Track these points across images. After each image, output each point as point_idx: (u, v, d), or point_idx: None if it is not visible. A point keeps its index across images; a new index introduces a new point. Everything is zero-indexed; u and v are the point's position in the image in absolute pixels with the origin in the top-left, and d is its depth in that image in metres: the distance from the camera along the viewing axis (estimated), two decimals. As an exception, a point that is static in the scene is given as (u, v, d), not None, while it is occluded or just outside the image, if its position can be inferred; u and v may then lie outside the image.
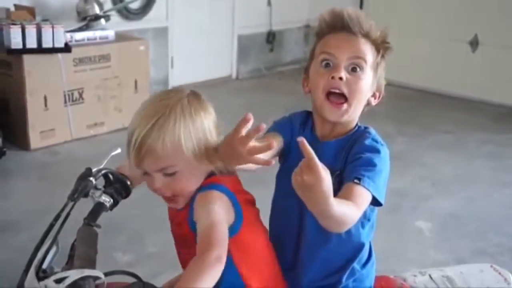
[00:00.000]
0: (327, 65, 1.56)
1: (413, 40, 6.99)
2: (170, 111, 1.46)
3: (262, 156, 1.34)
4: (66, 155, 4.82)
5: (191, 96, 1.52)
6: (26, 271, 1.44)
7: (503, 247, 3.59)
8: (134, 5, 6.06)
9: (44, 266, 1.47)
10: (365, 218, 1.63)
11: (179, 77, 6.58)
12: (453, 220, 4.03)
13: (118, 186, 1.69)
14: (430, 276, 1.92)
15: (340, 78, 1.52)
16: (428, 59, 6.98)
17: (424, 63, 7.01)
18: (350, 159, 1.53)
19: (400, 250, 3.51)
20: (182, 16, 6.46)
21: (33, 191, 4.22)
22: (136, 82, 5.51)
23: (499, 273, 1.95)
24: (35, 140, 4.88)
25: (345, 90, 1.53)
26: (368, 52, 1.59)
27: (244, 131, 1.31)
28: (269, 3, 7.18)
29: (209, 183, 1.51)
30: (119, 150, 1.75)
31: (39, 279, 1.43)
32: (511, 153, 5.27)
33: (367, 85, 1.59)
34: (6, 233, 3.59)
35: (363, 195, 1.43)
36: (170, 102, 1.48)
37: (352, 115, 1.60)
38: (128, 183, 1.71)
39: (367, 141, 1.57)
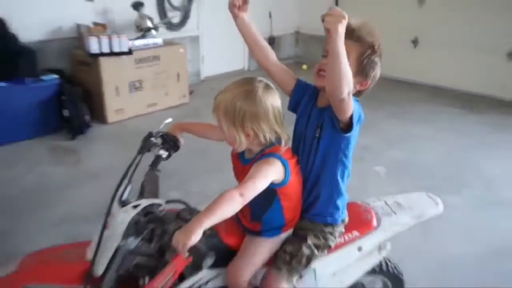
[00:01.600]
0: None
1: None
2: (231, 92, 1.44)
3: None
4: (132, 126, 4.83)
5: (263, 84, 1.48)
6: (112, 201, 1.47)
7: (434, 184, 3.61)
8: (175, 20, 6.00)
9: (123, 198, 1.50)
10: (345, 166, 1.61)
11: (207, 70, 6.59)
12: (400, 166, 4.04)
13: (171, 144, 1.72)
14: (385, 201, 1.94)
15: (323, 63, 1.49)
16: (384, 51, 6.82)
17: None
18: None
19: (363, 186, 3.53)
20: (208, 27, 6.37)
21: (110, 151, 4.25)
22: (178, 74, 5.48)
23: (432, 199, 1.97)
24: (110, 116, 4.91)
25: (326, 69, 1.43)
26: (352, 51, 1.48)
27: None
28: (270, 16, 7.09)
29: (271, 152, 1.48)
30: (170, 119, 1.77)
31: (121, 206, 1.47)
32: (442, 120, 5.24)
33: None
34: (94, 181, 3.65)
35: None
36: (234, 87, 1.47)
37: None
38: (178, 142, 1.73)
39: None
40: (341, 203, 1.67)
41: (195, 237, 1.23)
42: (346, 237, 1.75)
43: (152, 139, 1.67)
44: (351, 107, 1.43)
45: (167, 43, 5.43)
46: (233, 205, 1.31)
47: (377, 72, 1.58)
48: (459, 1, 6.09)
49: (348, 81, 1.32)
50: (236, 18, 1.60)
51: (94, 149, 4.28)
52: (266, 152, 1.48)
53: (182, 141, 1.76)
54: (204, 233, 1.50)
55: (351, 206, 1.86)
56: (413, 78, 6.70)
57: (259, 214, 1.55)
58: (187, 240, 1.21)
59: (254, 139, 1.46)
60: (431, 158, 4.19)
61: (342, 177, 1.63)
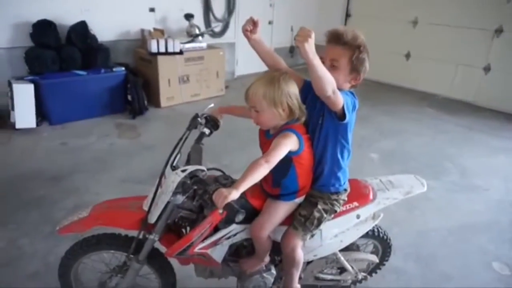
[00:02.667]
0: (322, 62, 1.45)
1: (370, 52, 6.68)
2: (262, 79, 1.44)
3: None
4: (179, 111, 4.82)
5: (278, 75, 1.45)
6: (166, 165, 1.46)
7: (417, 169, 3.52)
8: (217, 29, 5.92)
9: (174, 164, 1.49)
10: (344, 146, 1.56)
11: (240, 70, 6.49)
12: (391, 154, 3.94)
13: (212, 124, 1.69)
14: (380, 180, 1.88)
15: None
16: (380, 65, 6.69)
17: (378, 67, 6.70)
18: None
19: (360, 169, 3.46)
20: (242, 37, 6.14)
21: (162, 129, 4.25)
22: (217, 72, 5.39)
23: (419, 180, 1.90)
24: (163, 102, 4.89)
25: None
26: (344, 54, 1.45)
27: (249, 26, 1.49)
28: (292, 29, 6.92)
29: (289, 128, 1.46)
30: (212, 105, 1.74)
31: (173, 169, 1.46)
32: (426, 119, 5.07)
33: (341, 73, 1.47)
34: (149, 152, 3.66)
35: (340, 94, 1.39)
36: (266, 75, 1.46)
37: None
38: (218, 122, 1.70)
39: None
40: (342, 175, 1.62)
41: (232, 197, 1.23)
42: (348, 206, 1.71)
43: (198, 119, 1.65)
44: (340, 100, 1.39)
45: (210, 47, 5.36)
46: (261, 170, 1.32)
47: (366, 66, 1.51)
48: (445, 23, 5.86)
49: (328, 81, 1.31)
50: (249, 40, 1.57)
51: (150, 127, 4.29)
52: (284, 128, 1.47)
53: (221, 122, 1.73)
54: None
55: (353, 182, 1.81)
56: (404, 84, 6.50)
57: (279, 180, 1.53)
58: (225, 198, 1.22)
59: (289, 113, 1.45)
60: (416, 149, 4.06)
61: (342, 155, 1.58)
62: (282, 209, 1.57)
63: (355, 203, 1.72)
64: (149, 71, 4.81)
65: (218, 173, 1.60)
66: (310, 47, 1.23)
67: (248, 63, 6.58)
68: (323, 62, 1.39)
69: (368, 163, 3.68)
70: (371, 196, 1.75)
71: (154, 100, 4.87)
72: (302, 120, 1.50)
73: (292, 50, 7.01)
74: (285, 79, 1.45)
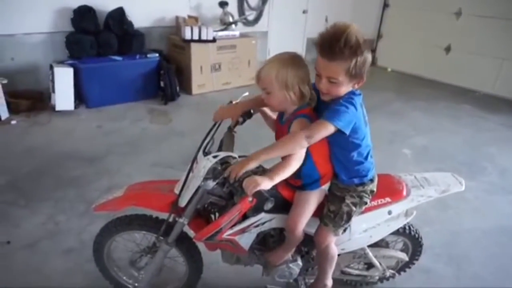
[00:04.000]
0: (317, 75, 1.39)
1: (404, 44, 6.50)
2: (276, 59, 1.41)
3: None
4: (210, 98, 4.86)
5: (293, 57, 1.41)
6: (198, 150, 1.47)
7: (453, 168, 3.37)
8: (250, 18, 5.88)
9: (206, 150, 1.50)
10: (358, 146, 1.48)
11: None
12: (425, 150, 3.81)
13: (246, 112, 1.65)
14: (415, 176, 1.82)
15: (321, 87, 1.38)
16: (417, 57, 6.47)
17: (415, 59, 6.48)
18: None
19: (393, 165, 3.38)
20: (275, 25, 6.20)
21: (193, 116, 4.29)
22: (249, 61, 5.38)
23: (456, 179, 1.82)
24: (195, 89, 4.94)
25: (325, 92, 1.39)
26: (340, 70, 1.31)
27: None
28: (326, 20, 6.72)
29: (301, 113, 1.43)
30: (247, 93, 1.71)
31: (205, 155, 1.47)
32: (462, 115, 4.85)
33: (342, 86, 1.36)
34: (179, 137, 3.71)
35: (321, 124, 1.33)
36: (281, 56, 1.42)
37: (334, 95, 1.40)
38: (251, 111, 1.67)
39: (339, 100, 1.38)
40: (363, 168, 1.54)
41: (264, 186, 1.27)
42: (379, 201, 1.66)
43: None
44: (325, 133, 1.33)
45: (243, 35, 5.35)
46: (297, 144, 1.34)
47: (368, 62, 1.35)
48: (490, 15, 5.54)
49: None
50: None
51: (181, 113, 4.35)
52: (298, 113, 1.43)
53: (253, 111, 1.71)
54: None
55: (386, 177, 1.77)
56: (442, 79, 6.22)
57: (298, 170, 1.47)
58: (256, 186, 1.25)
59: (300, 98, 1.42)
60: (452, 147, 3.90)
61: (357, 152, 1.49)
62: (311, 198, 1.54)
63: (388, 199, 1.67)
64: (182, 58, 4.86)
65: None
66: (249, 163, 1.30)
67: (279, 51, 6.52)
68: (318, 75, 1.36)
69: (400, 159, 3.57)
70: (404, 193, 1.70)
71: (186, 87, 4.92)
72: (312, 105, 1.46)
73: None
74: (298, 62, 1.40)
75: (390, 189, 1.70)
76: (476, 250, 2.44)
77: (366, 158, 1.53)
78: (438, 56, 6.25)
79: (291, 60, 1.40)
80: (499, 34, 5.51)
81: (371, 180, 1.58)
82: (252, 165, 1.31)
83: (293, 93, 1.41)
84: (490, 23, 5.58)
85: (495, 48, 5.58)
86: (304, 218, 1.52)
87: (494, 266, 2.31)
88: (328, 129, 1.32)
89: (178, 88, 4.69)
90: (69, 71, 4.00)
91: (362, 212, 1.62)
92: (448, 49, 6.17)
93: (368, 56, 1.33)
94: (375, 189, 1.61)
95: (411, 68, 6.56)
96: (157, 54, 4.60)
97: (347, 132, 1.34)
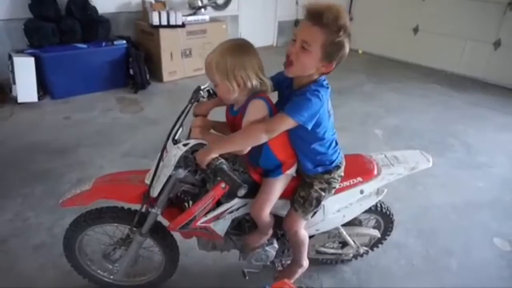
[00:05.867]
0: (293, 40, 1.32)
1: (375, 26, 6.53)
2: (221, 47, 1.34)
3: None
4: (182, 85, 4.74)
5: (240, 44, 1.35)
6: (168, 139, 1.44)
7: (422, 146, 3.47)
8: (220, 1, 5.76)
9: (176, 137, 1.46)
10: (321, 139, 1.46)
11: None
12: (396, 130, 3.89)
13: (215, 97, 1.62)
14: (385, 155, 1.86)
15: (291, 51, 1.32)
16: (388, 37, 6.55)
17: (386, 39, 6.53)
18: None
19: (365, 145, 3.44)
20: (246, 10, 6.09)
21: (164, 103, 4.20)
22: None
23: (424, 156, 1.88)
24: (165, 76, 4.82)
25: (293, 59, 1.31)
26: (318, 38, 1.26)
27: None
28: (297, 3, 6.69)
29: (257, 96, 1.38)
30: None
31: (174, 143, 1.43)
32: (433, 95, 4.98)
33: (311, 58, 1.29)
34: (152, 126, 3.63)
35: (281, 118, 1.31)
36: (227, 43, 1.35)
37: (298, 73, 1.34)
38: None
39: (305, 91, 1.33)
40: (325, 157, 1.53)
41: (214, 154, 1.30)
42: (351, 181, 1.69)
43: (200, 91, 1.59)
44: (283, 126, 1.32)
45: (213, 20, 5.22)
46: (255, 139, 1.34)
47: (344, 52, 1.32)
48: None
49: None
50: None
51: (152, 101, 4.25)
52: (250, 98, 1.38)
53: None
54: (238, 170, 1.49)
55: (357, 157, 1.80)
56: (411, 60, 6.35)
57: (255, 160, 1.48)
58: (208, 155, 1.30)
59: (244, 87, 1.36)
60: (421, 126, 4.01)
61: (319, 144, 1.47)
62: (275, 185, 1.52)
63: (359, 178, 1.70)
64: (151, 45, 4.72)
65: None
66: (210, 154, 1.30)
67: (252, 37, 6.32)
68: (294, 40, 1.29)
69: (372, 140, 3.64)
70: (375, 172, 1.73)
71: (156, 74, 4.80)
72: (269, 92, 1.41)
73: (296, 24, 6.83)
74: (242, 49, 1.32)
75: (362, 169, 1.73)
76: (445, 224, 2.55)
77: (328, 148, 1.51)
78: (407, 37, 6.36)
79: (234, 47, 1.32)
80: (463, 15, 5.65)
81: (337, 167, 1.57)
82: (214, 155, 1.30)
83: (236, 82, 1.33)
84: (455, 4, 5.71)
85: (460, 28, 5.72)
86: (267, 205, 1.51)
87: (461, 239, 2.42)
88: (288, 123, 1.30)
89: (148, 76, 4.56)
90: (30, 61, 3.81)
91: (335, 193, 1.64)
92: (416, 30, 6.28)
93: (346, 47, 1.30)
94: (342, 174, 1.61)
95: (382, 50, 6.65)
96: (124, 41, 4.44)
97: (309, 127, 1.32)
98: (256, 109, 1.36)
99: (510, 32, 5.32)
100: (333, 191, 1.61)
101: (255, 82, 1.35)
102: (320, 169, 1.54)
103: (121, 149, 3.17)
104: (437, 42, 6.03)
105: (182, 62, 4.91)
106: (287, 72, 1.36)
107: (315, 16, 1.25)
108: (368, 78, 5.49)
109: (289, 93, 1.41)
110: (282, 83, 1.46)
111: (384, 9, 6.48)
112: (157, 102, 4.25)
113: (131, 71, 4.44)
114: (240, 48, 1.33)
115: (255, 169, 1.53)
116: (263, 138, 1.32)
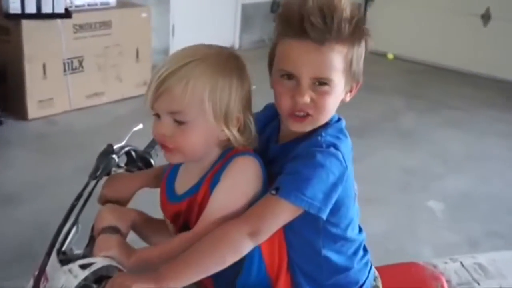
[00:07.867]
0: (289, 76, 0.83)
1: (423, 13, 4.56)
2: (205, 58, 0.83)
3: None
4: (65, 125, 3.08)
5: (233, 56, 0.86)
6: (49, 254, 0.89)
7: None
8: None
9: (64, 248, 0.93)
10: (337, 237, 0.92)
11: (180, 47, 4.15)
12: (465, 200, 2.55)
13: (141, 165, 1.10)
14: (461, 263, 1.25)
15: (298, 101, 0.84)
16: (438, 33, 4.49)
17: (434, 37, 4.51)
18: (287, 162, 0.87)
19: (411, 229, 2.30)
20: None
21: (32, 162, 2.70)
22: (137, 50, 3.46)
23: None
24: (33, 109, 3.07)
25: (310, 111, 0.85)
26: (337, 61, 0.83)
27: None
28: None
29: (241, 151, 0.85)
30: (141, 126, 1.08)
31: (61, 262, 0.88)
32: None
33: (337, 96, 0.87)
34: (8, 206, 2.25)
35: (274, 204, 0.82)
36: (209, 51, 0.84)
37: (317, 124, 0.90)
38: (152, 161, 1.10)
39: (308, 143, 0.86)
40: (347, 276, 0.97)
41: None
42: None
43: (114, 156, 1.00)
44: (280, 219, 0.83)
45: (123, 3, 3.44)
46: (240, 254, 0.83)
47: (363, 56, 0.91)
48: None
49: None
50: None
51: (7, 158, 2.68)
52: (229, 156, 0.87)
53: (157, 154, 1.09)
54: None
55: (409, 269, 1.21)
56: (479, 68, 4.23)
57: (230, 280, 0.89)
58: None
59: (242, 132, 0.86)
60: (510, 190, 2.65)
61: (340, 250, 0.94)
62: None
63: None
64: (6, 50, 3.03)
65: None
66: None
67: (195, 34, 3.74)
68: (290, 78, 0.84)
69: (423, 218, 2.40)
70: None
71: (15, 105, 3.08)
72: (253, 145, 0.93)
73: (274, 9, 5.17)
74: (239, 61, 0.87)
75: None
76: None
77: (353, 256, 0.95)
78: (471, 30, 4.23)
79: (227, 57, 0.86)
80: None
81: None
82: None
83: (235, 125, 0.87)
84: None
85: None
86: None
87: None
88: (286, 213, 0.84)
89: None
90: None
91: None
92: (486, 17, 4.20)
93: (362, 45, 0.90)
94: None
95: (426, 53, 4.45)
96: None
97: (324, 216, 0.83)
98: (245, 178, 0.86)
99: None
100: None
101: (253, 127, 0.89)
102: None
103: None
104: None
105: (66, 81, 3.21)
106: (303, 127, 0.88)
107: (315, 29, 0.79)
108: (407, 102, 3.74)
109: (277, 150, 0.94)
110: (262, 129, 0.97)
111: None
112: (18, 159, 2.69)
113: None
114: (236, 61, 0.86)
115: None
116: (245, 247, 0.81)
